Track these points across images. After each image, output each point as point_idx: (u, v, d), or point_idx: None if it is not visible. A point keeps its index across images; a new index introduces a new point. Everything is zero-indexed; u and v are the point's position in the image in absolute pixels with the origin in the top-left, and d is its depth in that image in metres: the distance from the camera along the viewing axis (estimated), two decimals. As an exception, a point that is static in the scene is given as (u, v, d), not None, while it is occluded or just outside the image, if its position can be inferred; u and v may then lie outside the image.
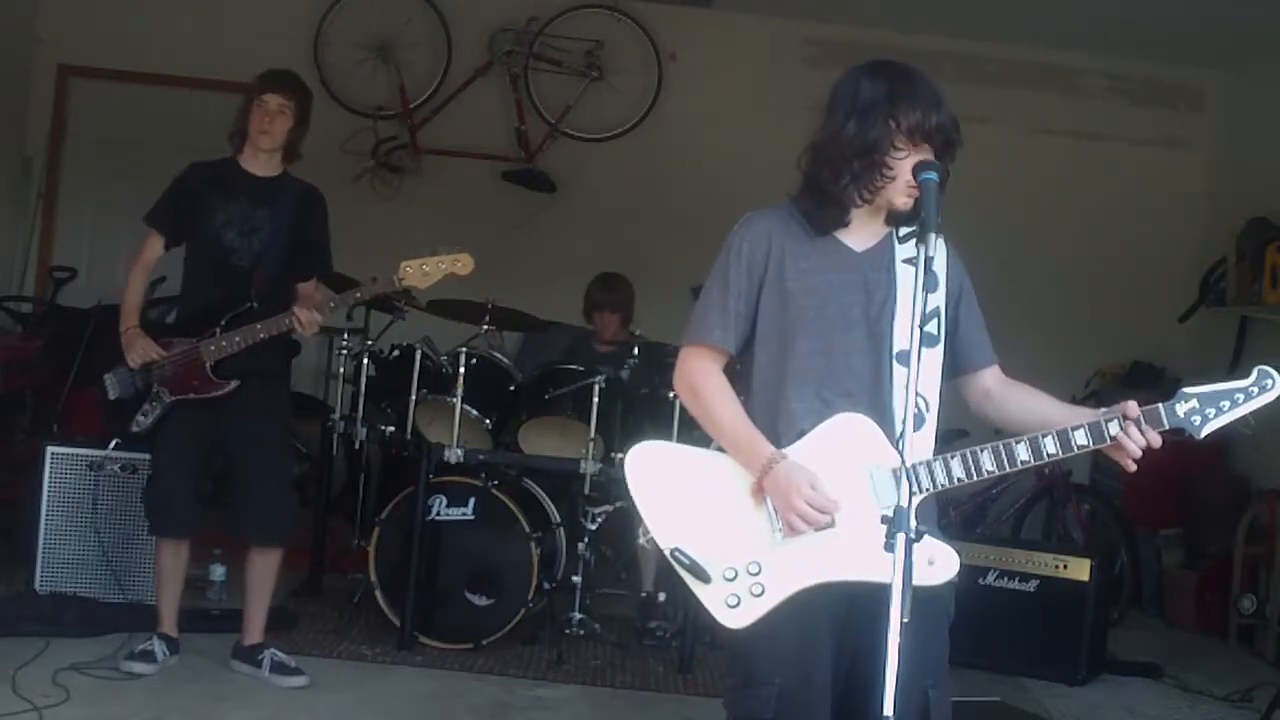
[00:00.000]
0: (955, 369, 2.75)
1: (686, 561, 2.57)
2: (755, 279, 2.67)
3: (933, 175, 2.51)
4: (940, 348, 2.66)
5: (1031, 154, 7.77)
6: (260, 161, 4.62)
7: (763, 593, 2.55)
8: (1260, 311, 6.90)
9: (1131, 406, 2.52)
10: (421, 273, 4.43)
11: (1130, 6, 6.84)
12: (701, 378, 2.71)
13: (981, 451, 2.53)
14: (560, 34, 7.65)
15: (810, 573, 2.55)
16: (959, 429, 3.11)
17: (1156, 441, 2.52)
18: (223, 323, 4.46)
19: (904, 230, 2.67)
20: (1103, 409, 2.56)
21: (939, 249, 2.68)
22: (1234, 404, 2.52)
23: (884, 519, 2.34)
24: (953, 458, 2.54)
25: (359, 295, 4.58)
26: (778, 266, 2.65)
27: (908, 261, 2.62)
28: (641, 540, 2.70)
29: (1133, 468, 2.55)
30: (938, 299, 2.66)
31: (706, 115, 7.73)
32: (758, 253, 2.66)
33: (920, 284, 2.39)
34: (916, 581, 2.33)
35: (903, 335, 2.57)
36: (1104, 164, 7.80)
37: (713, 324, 2.70)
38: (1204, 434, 2.51)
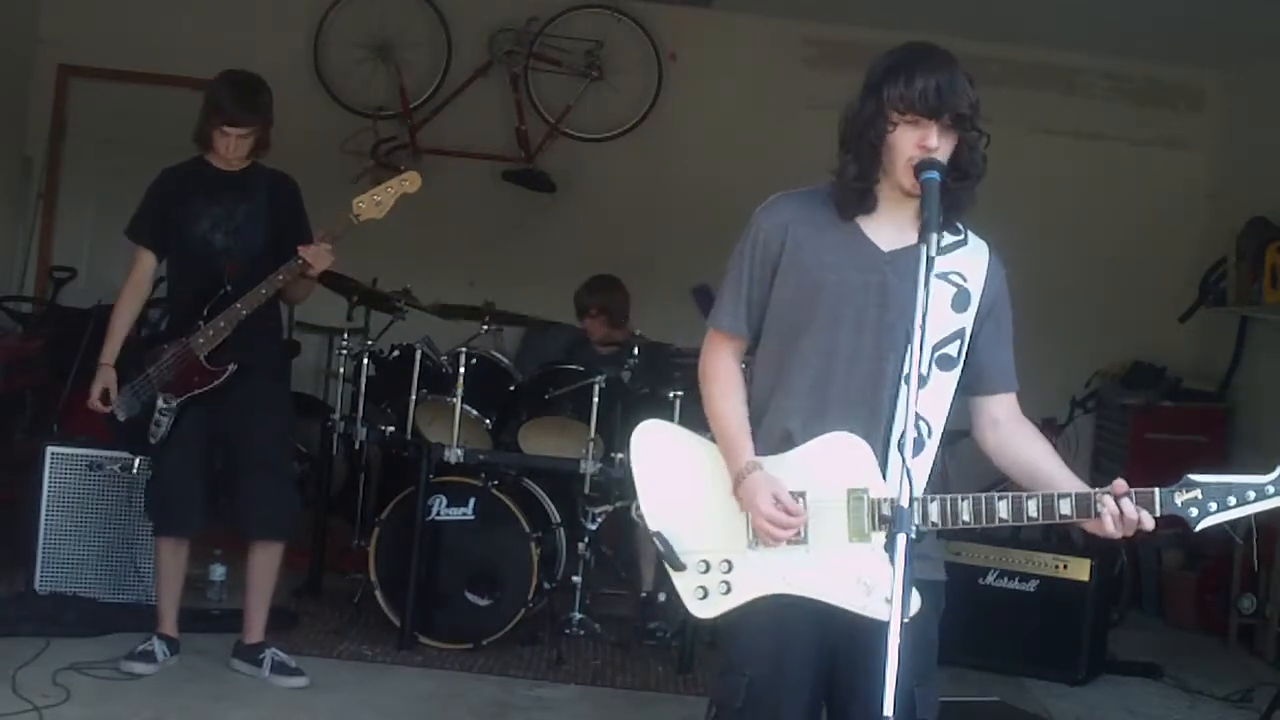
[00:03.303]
0: (968, 387, 2.64)
1: (664, 547, 2.60)
2: (769, 266, 2.61)
3: (934, 175, 2.45)
4: (957, 371, 2.57)
5: (1031, 154, 7.75)
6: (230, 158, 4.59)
7: (729, 591, 2.56)
8: (1260, 311, 6.89)
9: (1120, 484, 2.36)
10: (374, 204, 4.41)
11: (1130, 7, 6.83)
12: (711, 366, 2.69)
13: (962, 501, 2.43)
14: (560, 34, 7.64)
15: (775, 582, 2.54)
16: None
17: (1149, 523, 2.33)
18: (205, 313, 4.46)
19: None
20: (1096, 489, 2.38)
21: (979, 261, 2.62)
22: (1242, 501, 2.31)
23: (883, 519, 2.33)
24: (931, 500, 2.44)
25: (323, 233, 4.42)
26: (792, 257, 2.59)
27: (938, 277, 2.46)
28: (634, 513, 2.72)
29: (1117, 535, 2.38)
30: (965, 319, 2.57)
31: (706, 115, 7.72)
32: (773, 241, 2.60)
33: (922, 282, 2.30)
34: (873, 614, 2.35)
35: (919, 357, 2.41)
36: (1104, 164, 7.79)
37: (725, 309, 2.67)
38: (1199, 529, 2.31)
